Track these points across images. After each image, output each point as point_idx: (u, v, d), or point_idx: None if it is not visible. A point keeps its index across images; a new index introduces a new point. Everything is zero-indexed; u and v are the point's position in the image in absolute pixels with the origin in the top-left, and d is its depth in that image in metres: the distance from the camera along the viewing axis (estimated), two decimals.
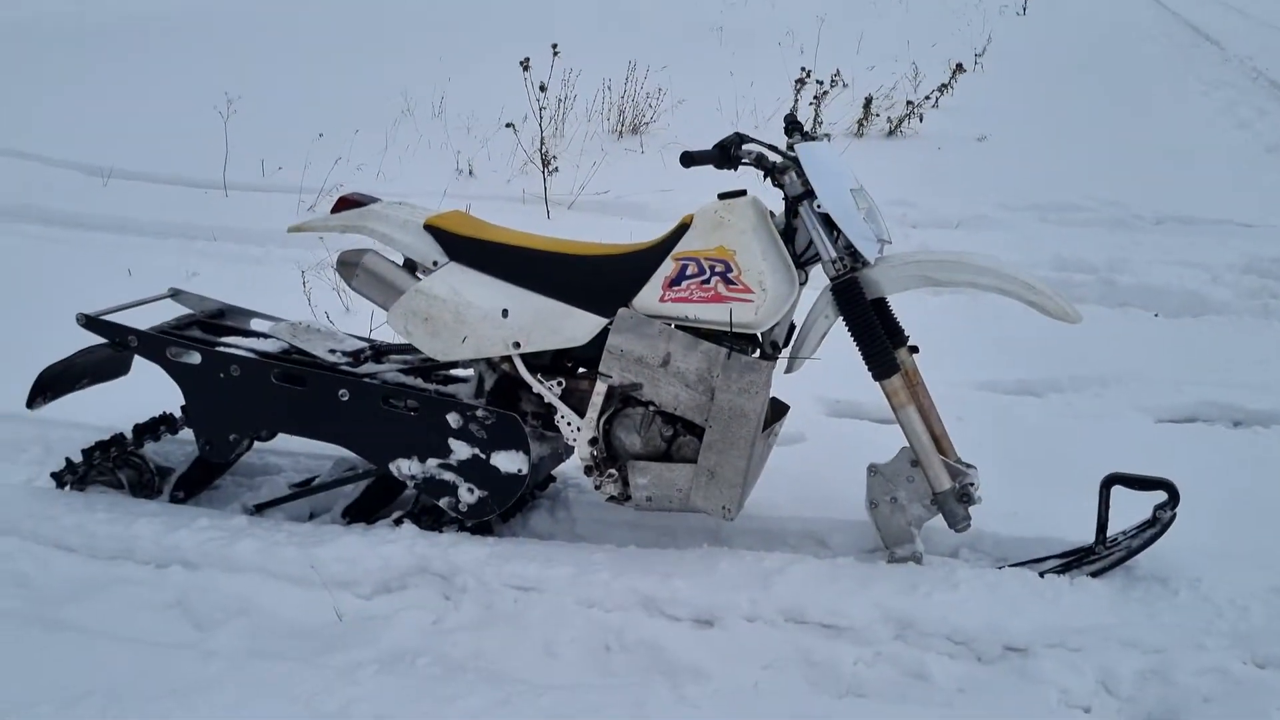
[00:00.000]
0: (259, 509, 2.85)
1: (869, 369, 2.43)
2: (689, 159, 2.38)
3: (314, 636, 2.39)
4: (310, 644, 2.37)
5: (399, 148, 6.45)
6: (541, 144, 5.54)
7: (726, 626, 2.35)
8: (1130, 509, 2.50)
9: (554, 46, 5.69)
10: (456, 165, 6.18)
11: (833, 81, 6.89)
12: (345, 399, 2.64)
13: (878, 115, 7.20)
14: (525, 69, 5.41)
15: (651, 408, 2.52)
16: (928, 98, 7.39)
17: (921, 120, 7.27)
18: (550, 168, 5.46)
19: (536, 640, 2.35)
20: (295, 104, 7.26)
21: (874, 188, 5.97)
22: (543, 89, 5.43)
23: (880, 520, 2.53)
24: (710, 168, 2.46)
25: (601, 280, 2.53)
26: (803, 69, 6.74)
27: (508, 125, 5.59)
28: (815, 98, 6.76)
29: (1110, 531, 2.50)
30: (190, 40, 8.73)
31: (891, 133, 7.23)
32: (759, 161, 2.40)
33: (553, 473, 2.97)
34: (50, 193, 5.56)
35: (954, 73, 7.54)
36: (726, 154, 2.36)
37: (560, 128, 6.59)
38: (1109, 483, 2.48)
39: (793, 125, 2.62)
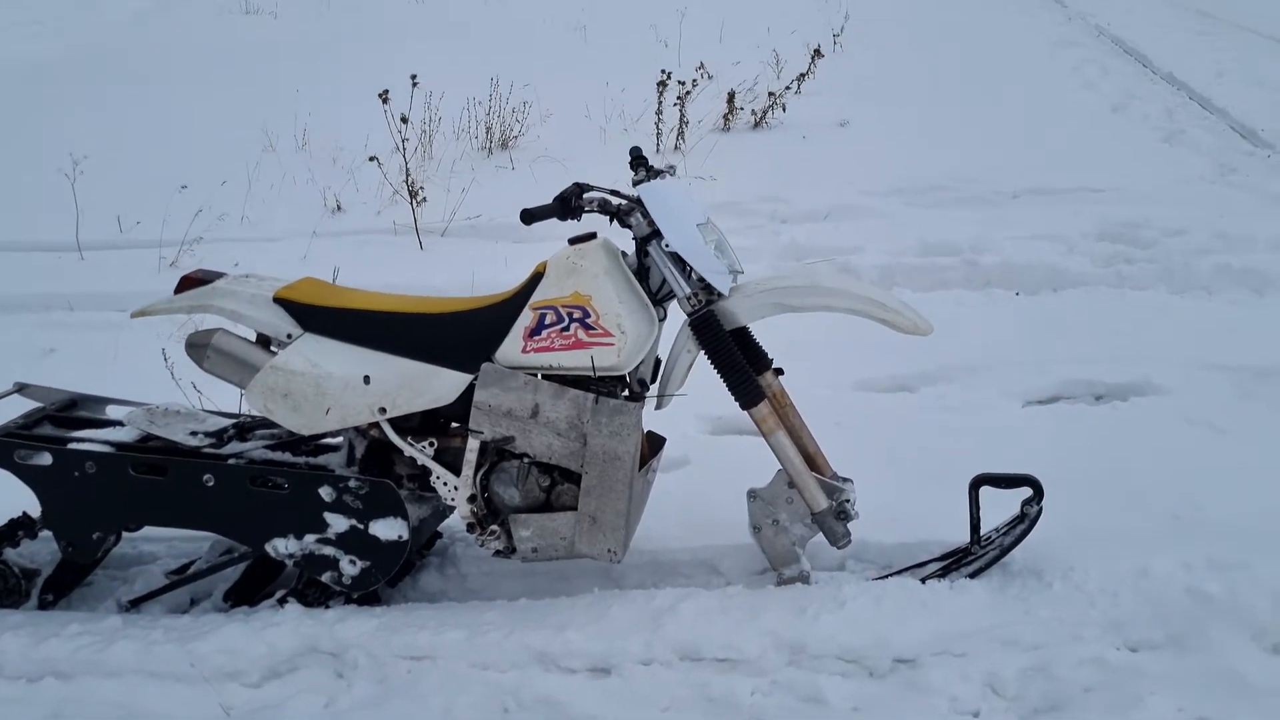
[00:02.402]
0: (134, 604, 2.75)
1: (735, 399, 2.45)
2: (529, 216, 2.36)
3: None
4: None
5: (263, 187, 6.26)
6: (407, 176, 5.45)
7: (623, 673, 2.35)
8: (1004, 503, 2.57)
9: (413, 78, 5.58)
10: (325, 202, 6.03)
11: (694, 80, 6.92)
12: (210, 484, 2.56)
13: (741, 109, 7.26)
14: (385, 101, 5.30)
15: (526, 459, 2.50)
16: (789, 86, 7.47)
17: (785, 110, 7.36)
18: (419, 198, 5.37)
19: (434, 710, 2.31)
20: (148, 153, 6.98)
21: (743, 183, 6.07)
22: (404, 120, 5.33)
23: (765, 544, 2.56)
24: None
25: (461, 336, 2.49)
26: (663, 71, 6.75)
27: (371, 159, 5.48)
28: (679, 98, 6.78)
29: (984, 529, 2.57)
30: (24, 98, 8.33)
31: (757, 124, 7.31)
32: (602, 207, 2.39)
33: (438, 529, 2.93)
34: None
35: (813, 58, 7.64)
36: (567, 205, 2.35)
37: (428, 150, 6.49)
38: (977, 484, 2.55)
39: (638, 160, 2.62)
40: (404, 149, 5.56)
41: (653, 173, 2.51)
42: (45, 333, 4.56)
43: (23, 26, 10.79)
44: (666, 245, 2.38)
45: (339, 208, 5.95)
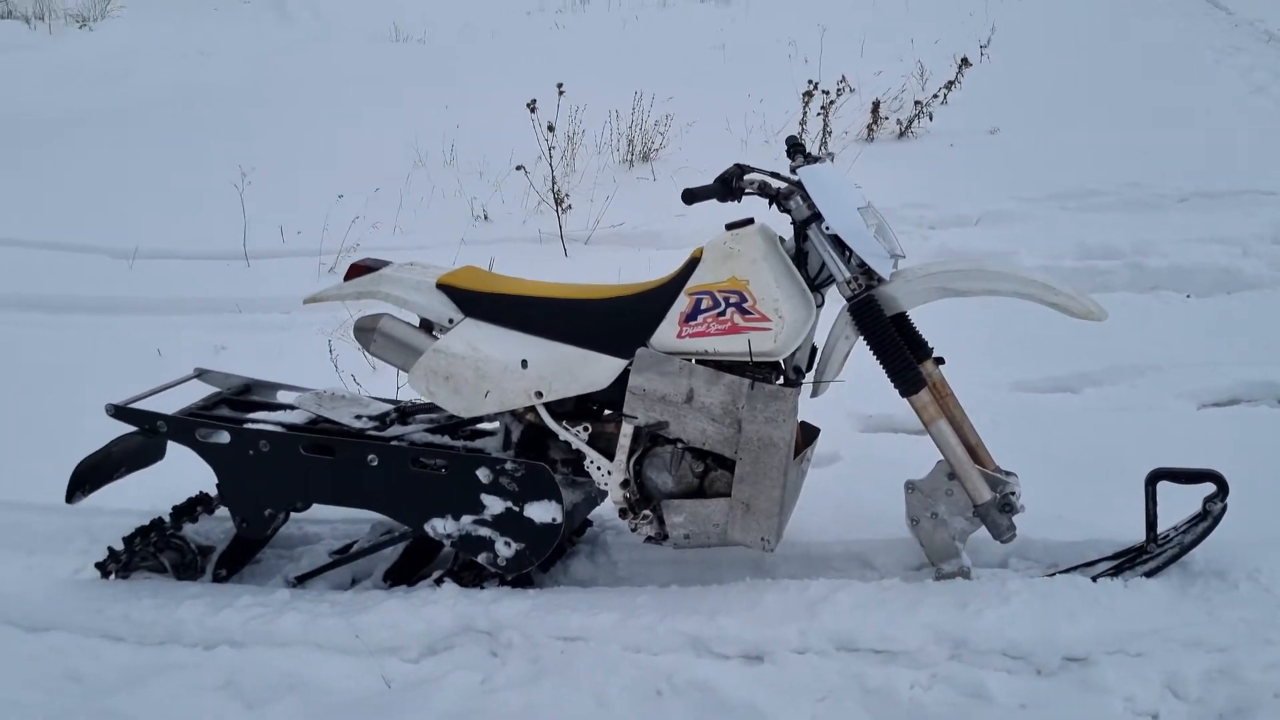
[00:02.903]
0: (300, 580, 2.86)
1: (895, 386, 2.39)
2: (690, 196, 2.37)
3: (364, 705, 2.39)
4: (361, 714, 2.36)
5: (414, 200, 6.49)
6: (554, 183, 5.56)
7: (777, 661, 2.31)
8: (1181, 502, 2.44)
9: (559, 86, 5.71)
10: (471, 211, 6.20)
11: (839, 90, 6.86)
12: (374, 464, 2.65)
13: (886, 119, 7.15)
14: (533, 110, 5.43)
15: (680, 445, 2.50)
16: (935, 95, 7.32)
17: (931, 119, 7.21)
18: (564, 205, 5.46)
19: (586, 691, 2.33)
20: (307, 168, 7.33)
21: (889, 191, 5.96)
22: (550, 129, 5.44)
23: (923, 537, 2.49)
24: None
25: (617, 322, 2.52)
26: (809, 81, 6.71)
27: (518, 168, 5.61)
28: (823, 108, 6.73)
29: (1161, 528, 2.43)
30: (197, 119, 8.86)
31: (902, 134, 7.18)
32: (762, 190, 2.38)
33: (589, 517, 2.95)
34: (77, 279, 5.64)
35: (960, 67, 7.48)
36: (728, 186, 2.35)
37: (571, 163, 6.61)
38: (1154, 479, 2.42)
39: (795, 148, 2.60)
40: (550, 156, 5.67)
41: (810, 159, 2.49)
42: (216, 334, 4.82)
43: (198, 55, 11.51)
44: (826, 228, 2.35)
45: (485, 217, 6.11)
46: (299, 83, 10.29)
